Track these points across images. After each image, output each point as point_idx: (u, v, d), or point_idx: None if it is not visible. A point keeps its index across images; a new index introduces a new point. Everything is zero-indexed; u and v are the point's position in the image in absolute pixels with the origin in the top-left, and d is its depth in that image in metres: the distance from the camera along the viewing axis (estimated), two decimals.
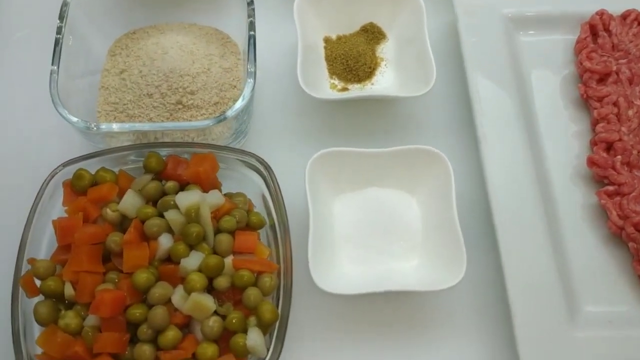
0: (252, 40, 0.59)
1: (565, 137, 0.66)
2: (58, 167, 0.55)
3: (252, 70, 0.58)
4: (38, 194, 0.54)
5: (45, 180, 0.55)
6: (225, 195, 0.57)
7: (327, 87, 0.67)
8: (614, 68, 0.66)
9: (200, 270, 0.52)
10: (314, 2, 0.67)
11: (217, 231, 0.54)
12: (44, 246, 0.55)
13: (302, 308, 0.57)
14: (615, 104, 0.64)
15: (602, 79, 0.66)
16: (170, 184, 0.55)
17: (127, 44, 0.64)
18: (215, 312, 0.51)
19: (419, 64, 0.65)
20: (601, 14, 0.68)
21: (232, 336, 0.51)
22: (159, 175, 0.56)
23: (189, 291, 0.51)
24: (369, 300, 0.58)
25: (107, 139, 0.58)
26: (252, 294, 0.52)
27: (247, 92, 0.57)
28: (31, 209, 0.54)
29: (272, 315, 0.51)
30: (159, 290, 0.51)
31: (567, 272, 0.59)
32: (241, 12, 0.62)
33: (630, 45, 0.66)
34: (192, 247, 0.53)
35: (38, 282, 0.52)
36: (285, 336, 0.51)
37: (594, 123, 0.65)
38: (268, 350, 0.51)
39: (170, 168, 0.56)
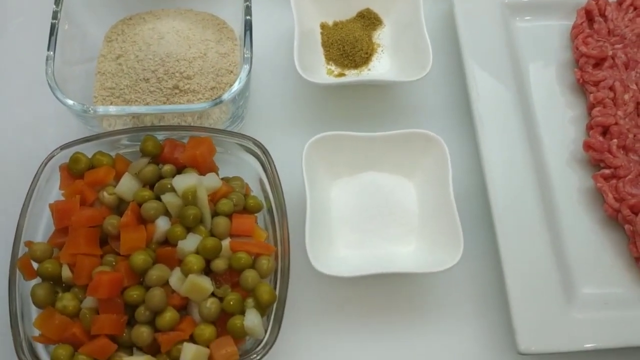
0: (248, 25, 0.59)
1: (561, 122, 0.66)
2: (55, 150, 0.55)
3: (248, 54, 0.58)
4: (35, 177, 0.54)
5: (42, 164, 0.55)
6: (222, 179, 0.57)
7: (323, 73, 0.67)
8: (610, 53, 0.66)
9: (197, 252, 0.52)
10: None
11: (215, 214, 0.54)
12: (41, 230, 0.55)
13: (299, 290, 0.57)
14: (611, 88, 0.64)
15: (598, 63, 0.66)
16: (167, 168, 0.55)
17: (123, 30, 0.64)
18: (213, 294, 0.51)
19: (416, 50, 0.65)
20: None
21: (229, 318, 0.51)
22: (156, 158, 0.56)
23: (186, 273, 0.51)
24: (366, 282, 0.58)
25: (103, 124, 0.58)
26: (249, 276, 0.52)
27: (243, 75, 0.57)
28: (28, 192, 0.54)
29: (270, 296, 0.51)
30: (157, 272, 0.51)
31: (563, 254, 0.59)
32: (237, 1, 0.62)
33: (626, 30, 0.67)
34: (189, 229, 0.53)
35: (35, 265, 0.52)
36: (282, 317, 0.51)
37: (590, 107, 0.65)
38: (266, 331, 0.51)
39: (167, 151, 0.56)
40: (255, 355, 0.50)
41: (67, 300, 0.50)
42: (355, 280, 0.57)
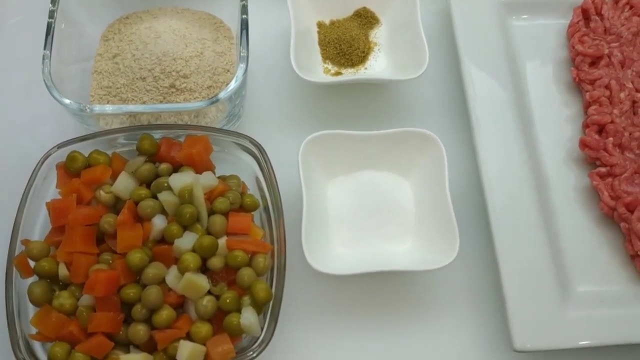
0: (244, 24, 0.59)
1: (557, 121, 0.66)
2: (52, 148, 0.55)
3: (245, 53, 0.58)
4: (31, 176, 0.54)
5: (38, 162, 0.55)
6: (219, 177, 0.57)
7: (320, 72, 0.67)
8: (606, 51, 0.66)
9: (194, 250, 0.52)
10: None
11: (211, 212, 0.54)
12: (38, 228, 0.55)
13: (295, 289, 0.57)
14: (607, 86, 0.64)
15: (594, 62, 0.66)
16: (163, 166, 0.56)
17: (120, 29, 0.64)
18: (209, 292, 0.52)
19: (412, 48, 0.65)
20: None
21: (226, 315, 0.51)
22: (153, 157, 0.56)
23: (182, 271, 0.51)
24: (362, 280, 0.58)
25: (100, 122, 0.58)
26: (246, 274, 0.52)
27: (239, 74, 0.57)
28: (25, 190, 0.54)
29: (266, 294, 0.51)
30: (153, 270, 0.51)
31: (559, 252, 0.59)
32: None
33: (622, 28, 0.67)
34: (185, 227, 0.53)
35: (32, 263, 0.52)
36: (279, 315, 0.51)
37: (586, 106, 0.65)
38: (262, 329, 0.51)
39: (163, 150, 0.56)
40: (251, 353, 0.50)
41: (63, 298, 0.50)
42: (352, 278, 0.57)
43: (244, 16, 0.60)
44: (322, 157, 0.60)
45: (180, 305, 0.52)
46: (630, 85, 0.64)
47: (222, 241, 0.53)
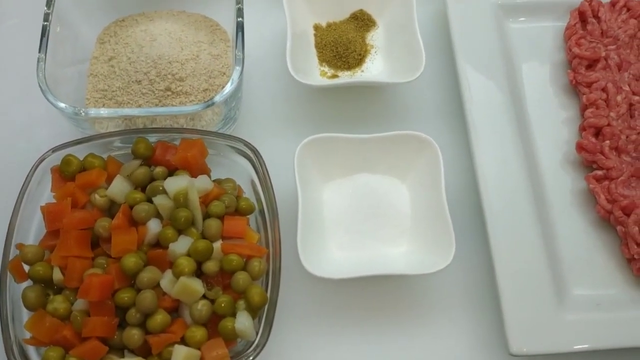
0: (240, 27, 0.59)
1: (554, 124, 0.66)
2: (46, 152, 0.55)
3: (240, 56, 0.58)
4: (26, 179, 0.54)
5: (33, 166, 0.55)
6: (214, 181, 0.57)
7: (317, 75, 0.67)
8: (603, 54, 0.66)
9: (189, 254, 0.52)
10: None
11: (206, 216, 0.54)
12: (33, 232, 0.55)
13: (291, 292, 0.57)
14: (604, 89, 0.64)
15: (591, 65, 0.66)
16: (158, 170, 0.55)
17: (115, 32, 0.64)
18: (204, 296, 0.51)
19: (409, 51, 0.65)
20: (590, 0, 0.68)
21: (221, 320, 0.51)
22: (148, 161, 0.56)
23: (177, 275, 0.51)
24: (358, 284, 0.58)
25: (95, 126, 0.58)
26: (241, 278, 0.52)
27: (235, 77, 0.57)
28: (19, 194, 0.54)
29: (261, 298, 0.51)
30: (148, 274, 0.51)
31: (555, 255, 0.59)
32: (230, 1, 0.62)
33: (619, 31, 0.67)
34: (180, 231, 0.53)
35: (26, 268, 0.52)
36: (273, 319, 0.51)
37: (583, 109, 0.65)
38: (257, 333, 0.51)
39: (158, 154, 0.56)
40: (246, 357, 0.50)
41: (58, 303, 0.50)
42: (348, 282, 0.57)
43: (240, 19, 0.60)
44: (318, 160, 0.60)
45: (175, 309, 0.52)
46: (627, 88, 0.64)
47: (217, 245, 0.53)
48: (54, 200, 0.54)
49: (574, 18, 0.68)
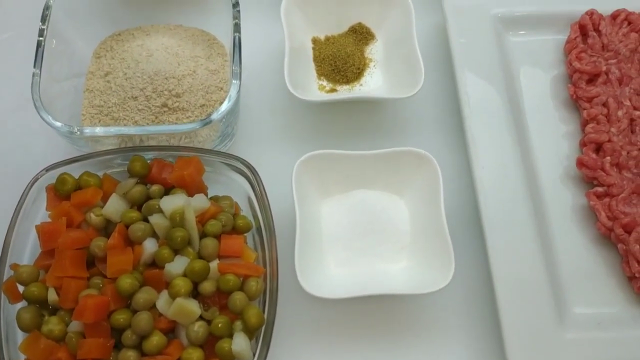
0: (237, 42, 0.59)
1: (555, 138, 0.65)
2: (40, 171, 0.54)
3: (237, 72, 0.57)
4: (21, 198, 0.54)
5: (27, 185, 0.54)
6: (211, 198, 0.57)
7: (315, 89, 0.67)
8: (604, 68, 0.65)
9: (185, 274, 0.51)
10: (302, 2, 0.67)
11: (203, 235, 0.54)
12: (27, 251, 0.54)
13: (289, 311, 0.57)
14: (604, 104, 0.64)
15: (592, 79, 0.66)
16: (155, 188, 0.55)
17: (112, 46, 0.64)
18: (201, 317, 0.51)
19: (408, 66, 0.64)
20: (591, 14, 0.68)
21: (217, 341, 0.50)
22: (144, 178, 0.56)
23: (173, 296, 0.50)
24: (357, 302, 0.58)
25: (91, 143, 0.57)
26: (237, 298, 0.51)
27: (232, 94, 0.56)
28: (14, 214, 0.53)
29: (258, 319, 0.51)
30: (144, 295, 0.50)
31: (556, 273, 0.59)
32: (227, 12, 0.61)
33: (620, 45, 0.66)
34: (177, 251, 0.52)
35: (21, 288, 0.51)
36: (271, 341, 0.50)
37: (584, 124, 0.64)
38: (254, 355, 0.50)
39: (155, 172, 0.55)
40: None
41: (53, 324, 0.50)
42: (346, 301, 0.56)
43: (237, 34, 0.59)
44: (316, 176, 0.59)
45: (171, 330, 0.51)
46: (628, 103, 0.64)
47: (214, 264, 0.52)
48: (49, 219, 0.54)
49: (574, 31, 0.68)
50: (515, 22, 0.70)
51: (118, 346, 0.50)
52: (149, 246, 0.52)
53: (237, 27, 0.59)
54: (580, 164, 0.62)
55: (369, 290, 0.54)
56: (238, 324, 0.51)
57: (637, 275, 0.57)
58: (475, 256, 0.60)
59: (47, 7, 0.60)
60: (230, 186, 0.58)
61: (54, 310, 0.51)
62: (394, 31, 0.68)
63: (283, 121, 0.67)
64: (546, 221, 0.61)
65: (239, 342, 0.50)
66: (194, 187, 0.55)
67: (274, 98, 0.67)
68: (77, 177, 0.55)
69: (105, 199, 0.54)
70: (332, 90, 0.67)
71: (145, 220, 0.53)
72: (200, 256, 0.53)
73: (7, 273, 0.52)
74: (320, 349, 0.57)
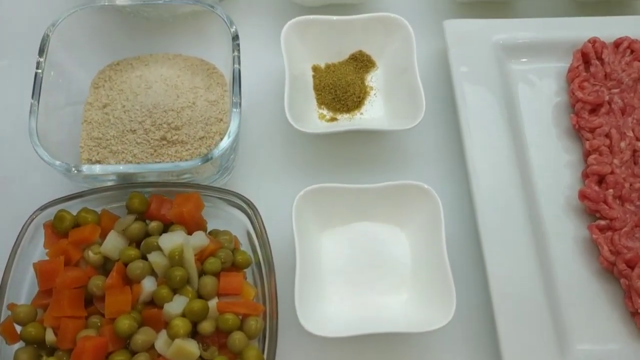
0: (237, 74, 0.58)
1: (557, 167, 0.65)
2: (36, 211, 0.54)
3: (237, 107, 0.56)
4: (18, 236, 0.53)
5: (25, 224, 0.54)
6: (211, 232, 0.56)
7: (315, 117, 0.66)
8: (607, 98, 0.65)
9: (184, 314, 0.50)
10: (302, 30, 0.66)
11: (202, 273, 0.53)
12: (25, 288, 0.54)
13: (288, 348, 0.56)
14: (607, 135, 0.63)
15: (595, 109, 0.65)
16: (153, 225, 0.54)
17: (110, 76, 0.63)
18: (200, 357, 0.50)
19: (409, 95, 0.64)
20: (593, 41, 0.67)
21: None
22: (143, 215, 0.55)
23: (172, 337, 0.50)
24: (357, 339, 0.57)
25: (90, 178, 0.57)
26: (237, 338, 0.51)
27: (232, 128, 0.55)
28: (11, 253, 0.53)
29: None
30: (142, 336, 0.50)
31: (558, 309, 0.58)
32: (227, 42, 0.61)
33: (623, 74, 0.65)
34: (175, 290, 0.52)
35: (18, 328, 0.51)
36: None
37: (586, 154, 0.64)
38: None
39: (153, 208, 0.55)
40: None
41: None
42: (346, 338, 0.56)
43: (237, 66, 0.59)
44: (316, 210, 0.59)
45: None
46: (631, 134, 0.63)
47: (213, 303, 0.52)
48: (46, 257, 0.53)
49: (577, 60, 0.67)
50: (517, 50, 0.69)
51: None
52: (148, 285, 0.52)
53: (236, 59, 0.59)
54: (583, 196, 0.61)
55: (369, 328, 0.54)
56: None
57: (639, 311, 0.56)
58: (477, 289, 0.60)
59: (45, 38, 0.60)
60: (230, 220, 0.58)
61: (51, 351, 0.51)
62: (394, 59, 0.67)
63: (282, 151, 0.66)
64: (548, 253, 0.60)
65: None
66: (193, 224, 0.55)
67: (273, 127, 0.67)
68: (75, 211, 0.55)
69: (103, 235, 0.54)
70: (333, 119, 0.66)
71: (144, 257, 0.53)
72: (199, 295, 0.52)
73: (5, 313, 0.51)
74: None
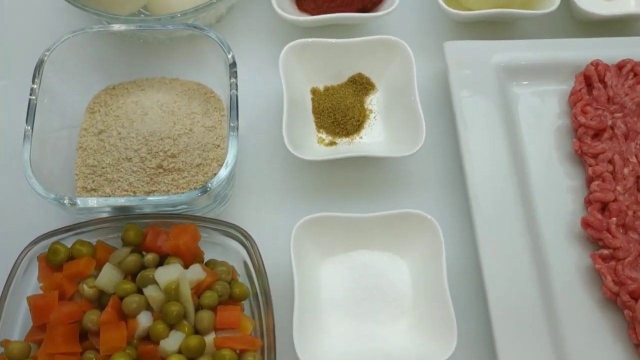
0: (234, 100, 0.57)
1: (559, 193, 0.64)
2: (30, 244, 0.53)
3: (235, 135, 0.55)
4: (12, 270, 0.52)
5: (19, 257, 0.53)
6: (208, 263, 0.55)
7: (314, 141, 0.65)
8: (609, 123, 0.64)
9: (180, 351, 0.50)
10: (300, 53, 0.65)
11: (199, 307, 0.52)
12: (19, 322, 0.53)
13: None
14: (610, 161, 0.62)
15: (598, 133, 0.64)
16: (149, 257, 0.53)
17: (106, 101, 0.62)
18: None
19: (409, 119, 0.63)
20: (596, 64, 0.66)
21: None
22: (139, 246, 0.54)
23: None
24: None
25: (85, 210, 0.56)
26: None
27: (230, 158, 0.54)
28: (5, 286, 0.52)
29: None
30: None
31: (560, 338, 0.57)
32: (224, 65, 0.60)
33: (626, 98, 0.64)
34: (172, 326, 0.51)
35: None
36: None
37: (589, 180, 0.63)
38: None
39: (149, 240, 0.54)
40: None
41: None
42: None
43: (234, 92, 0.58)
44: (315, 239, 0.58)
45: None
46: (634, 160, 0.62)
47: (210, 339, 0.51)
48: (40, 289, 0.52)
49: (579, 83, 0.66)
50: (519, 72, 0.68)
51: None
52: (144, 320, 0.51)
53: (234, 86, 0.58)
54: (586, 224, 0.60)
55: None
56: None
57: None
58: (478, 316, 0.58)
59: (39, 63, 0.59)
60: (227, 250, 0.57)
61: None
62: (394, 81, 0.66)
63: (280, 176, 0.65)
64: (550, 282, 0.59)
65: None
66: (189, 255, 0.54)
67: (272, 151, 0.66)
68: (69, 243, 0.54)
69: (99, 266, 0.53)
70: (332, 143, 0.65)
71: (140, 291, 0.52)
72: (196, 329, 0.51)
73: None
74: None
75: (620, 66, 0.66)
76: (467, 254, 0.62)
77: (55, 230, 0.54)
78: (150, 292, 0.51)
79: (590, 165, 0.63)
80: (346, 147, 0.65)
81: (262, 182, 0.65)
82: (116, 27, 0.61)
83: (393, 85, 0.67)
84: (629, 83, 0.65)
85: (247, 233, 0.55)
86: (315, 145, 0.65)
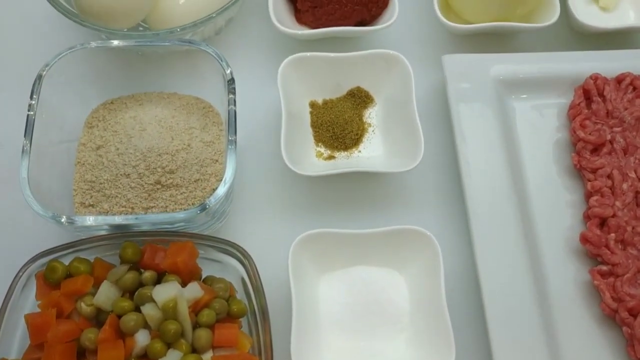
0: (232, 115, 0.57)
1: (558, 208, 0.64)
2: (27, 262, 0.53)
3: (233, 151, 0.55)
4: (10, 288, 0.52)
5: (17, 275, 0.53)
6: (206, 279, 0.55)
7: (312, 155, 0.65)
8: (608, 137, 0.64)
9: None
10: (299, 67, 0.65)
11: (196, 325, 0.52)
12: (17, 340, 0.53)
13: None
14: (609, 176, 0.62)
15: (597, 148, 0.64)
16: (147, 274, 0.53)
17: (104, 116, 0.62)
18: None
19: (408, 133, 0.63)
20: (595, 78, 0.66)
21: None
22: (136, 264, 0.54)
23: None
24: None
25: (82, 227, 0.56)
26: None
27: (228, 175, 0.54)
28: (2, 304, 0.52)
29: None
30: None
31: (559, 354, 0.57)
32: (222, 79, 0.60)
33: (625, 113, 0.64)
34: (169, 344, 0.51)
35: None
36: None
37: (588, 195, 0.63)
38: None
39: (147, 257, 0.54)
40: None
41: None
42: None
43: (232, 107, 0.58)
44: (313, 256, 0.58)
45: None
46: (633, 175, 0.62)
47: (208, 357, 0.51)
48: (38, 307, 0.52)
49: (578, 97, 0.66)
50: (517, 85, 0.68)
51: None
52: (141, 339, 0.51)
53: (232, 101, 0.58)
54: (585, 240, 0.60)
55: None
56: None
57: None
58: (476, 331, 0.58)
59: (37, 79, 0.59)
60: (225, 266, 0.57)
61: None
62: (393, 95, 0.66)
63: (279, 190, 0.65)
64: (548, 298, 0.59)
65: None
66: (187, 273, 0.54)
67: (270, 165, 0.65)
68: (67, 260, 0.54)
69: (97, 283, 0.53)
70: (330, 157, 0.65)
71: (137, 308, 0.52)
72: (193, 348, 0.51)
73: None
74: None
75: (619, 80, 0.66)
76: (465, 267, 0.62)
77: (53, 248, 0.54)
78: (148, 310, 0.51)
79: (589, 180, 0.63)
80: (345, 161, 0.65)
81: (260, 196, 0.65)
82: (115, 42, 0.61)
83: (392, 99, 0.67)
84: (628, 97, 0.65)
85: (245, 251, 0.55)
86: (313, 159, 0.65)
